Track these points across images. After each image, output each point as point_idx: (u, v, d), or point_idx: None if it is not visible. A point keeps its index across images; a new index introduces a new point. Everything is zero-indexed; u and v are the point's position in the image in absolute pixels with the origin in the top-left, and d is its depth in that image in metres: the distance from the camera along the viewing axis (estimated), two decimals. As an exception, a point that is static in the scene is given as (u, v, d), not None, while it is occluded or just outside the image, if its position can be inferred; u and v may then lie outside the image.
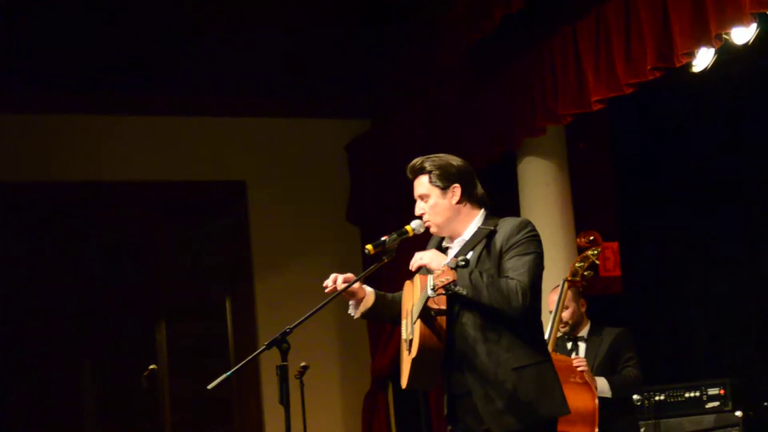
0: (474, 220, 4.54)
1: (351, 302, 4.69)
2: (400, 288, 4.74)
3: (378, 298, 4.68)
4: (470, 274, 4.30)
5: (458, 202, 4.52)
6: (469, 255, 4.39)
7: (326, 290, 4.57)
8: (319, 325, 8.55)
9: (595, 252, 6.57)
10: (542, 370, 4.42)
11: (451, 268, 4.15)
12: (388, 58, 9.11)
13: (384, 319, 4.84)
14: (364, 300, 4.66)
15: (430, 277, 4.15)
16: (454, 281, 4.14)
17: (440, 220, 4.54)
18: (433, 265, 4.36)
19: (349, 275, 4.59)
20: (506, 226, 4.46)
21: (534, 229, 4.47)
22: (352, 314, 4.73)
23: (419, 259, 4.47)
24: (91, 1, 8.19)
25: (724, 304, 8.28)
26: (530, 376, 4.37)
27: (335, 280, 4.56)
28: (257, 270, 9.40)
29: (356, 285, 4.58)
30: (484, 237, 4.44)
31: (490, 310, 4.32)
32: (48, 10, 8.11)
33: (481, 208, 4.57)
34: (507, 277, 4.34)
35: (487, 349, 4.36)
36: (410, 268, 4.50)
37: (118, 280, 9.23)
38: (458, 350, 4.41)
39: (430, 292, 4.12)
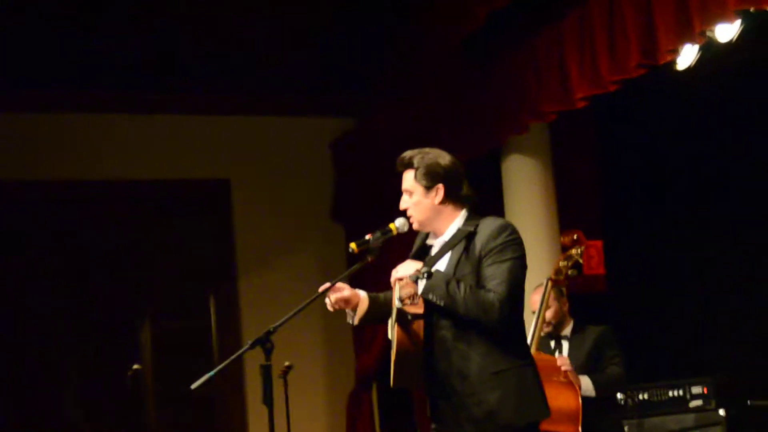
0: (455, 221, 4.51)
1: (348, 311, 4.62)
2: (385, 287, 4.70)
3: (371, 302, 4.63)
4: (447, 284, 4.29)
5: (441, 203, 4.49)
6: (436, 267, 4.39)
7: (331, 309, 4.57)
8: (303, 325, 8.53)
9: (579, 250, 6.56)
10: (522, 374, 4.37)
11: (413, 281, 4.29)
12: (373, 56, 9.10)
13: (380, 321, 4.71)
14: (359, 305, 4.60)
15: (397, 287, 4.25)
16: (416, 293, 4.26)
17: (422, 218, 4.53)
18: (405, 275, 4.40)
19: (340, 284, 4.55)
20: (486, 228, 4.41)
21: (514, 232, 4.42)
22: (352, 322, 4.66)
23: (395, 272, 4.46)
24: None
25: (708, 302, 8.30)
26: (510, 381, 4.32)
27: (332, 296, 4.53)
28: (241, 268, 9.37)
29: (350, 292, 4.54)
30: (464, 238, 4.41)
31: (468, 320, 4.30)
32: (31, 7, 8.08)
33: (464, 207, 4.54)
34: (485, 288, 4.30)
35: (465, 353, 4.33)
36: (391, 282, 4.49)
37: (101, 278, 9.18)
38: (437, 354, 4.38)
39: (397, 303, 4.26)
